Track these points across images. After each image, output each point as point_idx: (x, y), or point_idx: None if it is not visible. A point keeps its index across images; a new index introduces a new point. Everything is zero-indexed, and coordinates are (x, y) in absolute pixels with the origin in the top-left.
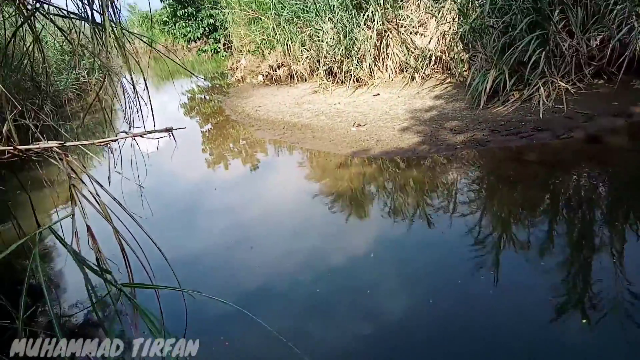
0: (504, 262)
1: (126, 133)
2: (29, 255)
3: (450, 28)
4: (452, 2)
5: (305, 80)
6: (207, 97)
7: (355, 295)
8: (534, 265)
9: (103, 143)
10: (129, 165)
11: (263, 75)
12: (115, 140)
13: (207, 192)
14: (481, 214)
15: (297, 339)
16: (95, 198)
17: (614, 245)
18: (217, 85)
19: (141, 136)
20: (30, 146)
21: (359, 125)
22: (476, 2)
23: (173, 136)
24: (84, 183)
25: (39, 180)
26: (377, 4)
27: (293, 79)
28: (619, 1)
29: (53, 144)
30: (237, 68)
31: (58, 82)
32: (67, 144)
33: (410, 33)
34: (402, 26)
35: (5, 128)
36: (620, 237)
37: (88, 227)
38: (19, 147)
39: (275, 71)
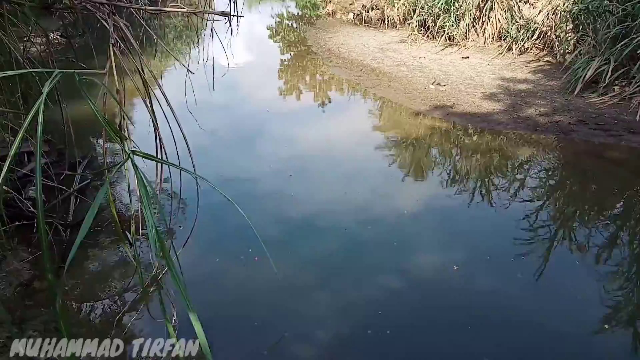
0: (550, 259)
1: (182, 7)
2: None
3: (564, 4)
4: None
5: (395, 28)
6: (295, 24)
7: (379, 248)
8: (585, 268)
9: (156, 12)
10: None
11: (354, 13)
12: (167, 12)
13: (264, 115)
14: (543, 203)
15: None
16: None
17: None
18: (307, 15)
19: (195, 14)
20: None
21: (439, 84)
22: None
23: (229, 22)
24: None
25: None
26: None
27: (383, 23)
28: None
29: None
30: (330, 1)
31: None
32: (117, 3)
33: (520, 1)
34: None
35: None
36: None
37: (118, 91)
38: None
39: (368, 12)
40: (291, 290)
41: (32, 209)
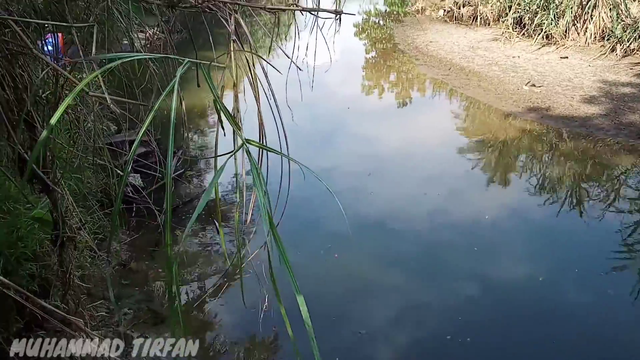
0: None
1: (297, 6)
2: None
3: None
4: None
5: (488, 25)
6: (382, 21)
7: (457, 252)
8: None
9: (273, 10)
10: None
11: (445, 10)
12: (284, 10)
13: (346, 112)
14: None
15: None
16: (250, 63)
17: None
18: (395, 12)
19: (310, 12)
20: None
21: (534, 85)
22: None
23: (340, 19)
24: (244, 46)
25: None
26: None
27: (475, 20)
28: None
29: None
30: None
31: None
32: (239, 2)
33: None
34: None
35: None
36: None
37: (234, 84)
38: None
39: (459, 9)
40: (367, 290)
41: (132, 195)
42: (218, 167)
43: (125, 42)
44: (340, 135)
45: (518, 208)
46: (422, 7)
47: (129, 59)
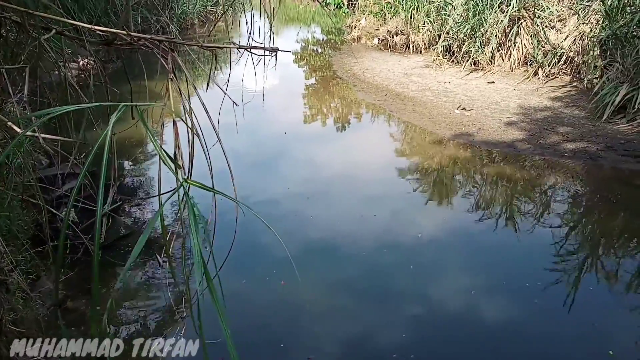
0: (575, 286)
1: (234, 44)
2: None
3: (591, 30)
4: (601, 3)
5: (420, 53)
6: (320, 49)
7: (396, 271)
8: (612, 296)
9: (210, 48)
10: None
11: (379, 39)
12: (221, 48)
13: (283, 138)
14: (569, 230)
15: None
16: (185, 100)
17: None
18: (332, 41)
19: (247, 49)
20: (143, 35)
21: (464, 109)
22: (628, 8)
23: (276, 56)
24: (180, 81)
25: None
26: None
27: (408, 48)
28: None
29: (162, 37)
30: (355, 27)
31: (186, 4)
32: (175, 40)
33: (546, 26)
34: (538, 17)
35: (123, 16)
36: None
37: (174, 122)
38: (132, 34)
39: (393, 37)
40: (312, 313)
41: (66, 230)
42: (160, 206)
43: (56, 72)
44: (282, 160)
45: (453, 227)
46: (357, 36)
47: (62, 111)
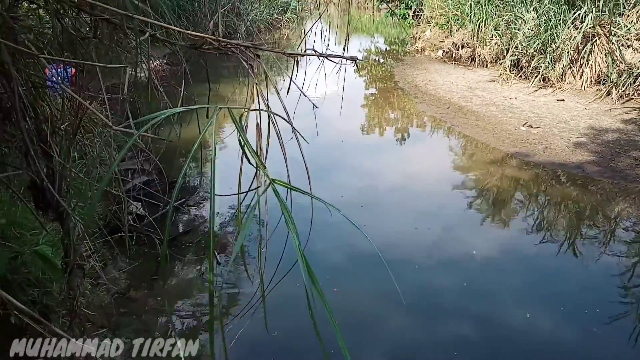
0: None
1: (315, 52)
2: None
3: None
4: None
5: (486, 67)
6: (382, 60)
7: (446, 287)
8: None
9: (292, 55)
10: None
11: (444, 51)
12: (302, 55)
13: (341, 146)
14: (637, 261)
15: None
16: (267, 104)
17: None
18: (394, 51)
19: (327, 57)
20: (230, 41)
21: (531, 126)
22: None
23: (356, 64)
24: (264, 87)
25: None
26: (593, 4)
27: (474, 61)
28: None
29: (248, 43)
30: (419, 38)
31: (254, 12)
32: (261, 47)
33: (622, 45)
34: (614, 34)
35: (212, 22)
36: None
37: (257, 125)
38: (221, 39)
39: (458, 50)
40: (357, 323)
41: (133, 223)
42: (242, 205)
43: (130, 71)
44: (339, 170)
45: (509, 248)
46: (421, 47)
47: (167, 114)
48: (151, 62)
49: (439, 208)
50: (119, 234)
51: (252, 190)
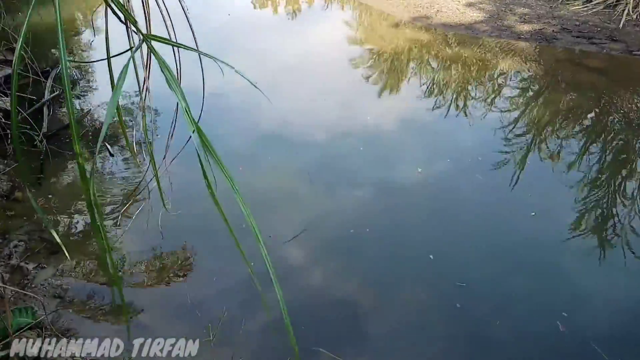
0: (522, 163)
1: None
2: None
3: None
4: None
5: None
6: None
7: (349, 153)
8: (555, 175)
9: None
10: None
11: None
12: None
13: (227, 19)
14: (520, 113)
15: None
16: None
17: None
18: None
19: None
20: None
21: None
22: None
23: None
24: None
25: None
26: None
27: None
28: None
29: None
30: None
31: None
32: None
33: None
34: None
35: None
36: None
37: None
38: None
39: None
40: (266, 199)
41: (4, 120)
42: (115, 73)
43: None
44: (231, 45)
45: (405, 112)
46: None
47: None
48: None
49: (336, 81)
50: None
51: (124, 52)
